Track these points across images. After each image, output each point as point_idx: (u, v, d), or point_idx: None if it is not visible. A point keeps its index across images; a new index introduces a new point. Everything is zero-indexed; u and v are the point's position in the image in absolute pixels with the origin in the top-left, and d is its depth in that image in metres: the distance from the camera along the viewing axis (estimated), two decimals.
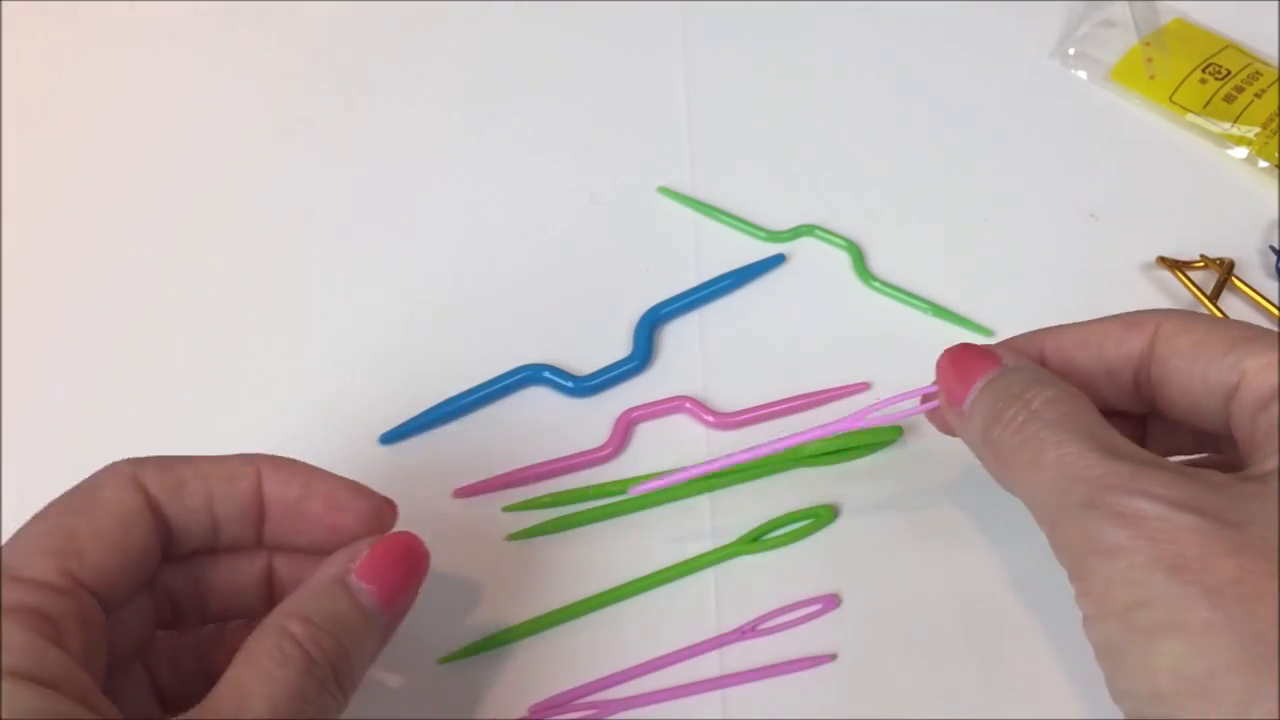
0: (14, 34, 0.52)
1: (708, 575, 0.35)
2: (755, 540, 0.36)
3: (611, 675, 0.34)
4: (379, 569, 0.27)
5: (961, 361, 0.30)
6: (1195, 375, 0.28)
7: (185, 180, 0.47)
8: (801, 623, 0.34)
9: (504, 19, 0.52)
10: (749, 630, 0.34)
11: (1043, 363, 0.30)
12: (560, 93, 0.49)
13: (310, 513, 0.28)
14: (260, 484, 0.28)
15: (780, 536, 0.36)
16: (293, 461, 0.29)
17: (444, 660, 0.34)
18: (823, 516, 0.36)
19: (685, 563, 0.35)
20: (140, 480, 0.27)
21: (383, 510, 0.29)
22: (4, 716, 0.22)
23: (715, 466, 0.34)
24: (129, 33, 0.52)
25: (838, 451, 0.37)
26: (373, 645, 0.27)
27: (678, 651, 0.34)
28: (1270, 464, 0.25)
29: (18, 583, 0.24)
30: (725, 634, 0.34)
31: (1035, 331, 0.31)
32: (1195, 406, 0.29)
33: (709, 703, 0.33)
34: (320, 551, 0.29)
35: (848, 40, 0.50)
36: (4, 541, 0.26)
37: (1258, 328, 0.29)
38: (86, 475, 0.28)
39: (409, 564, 0.28)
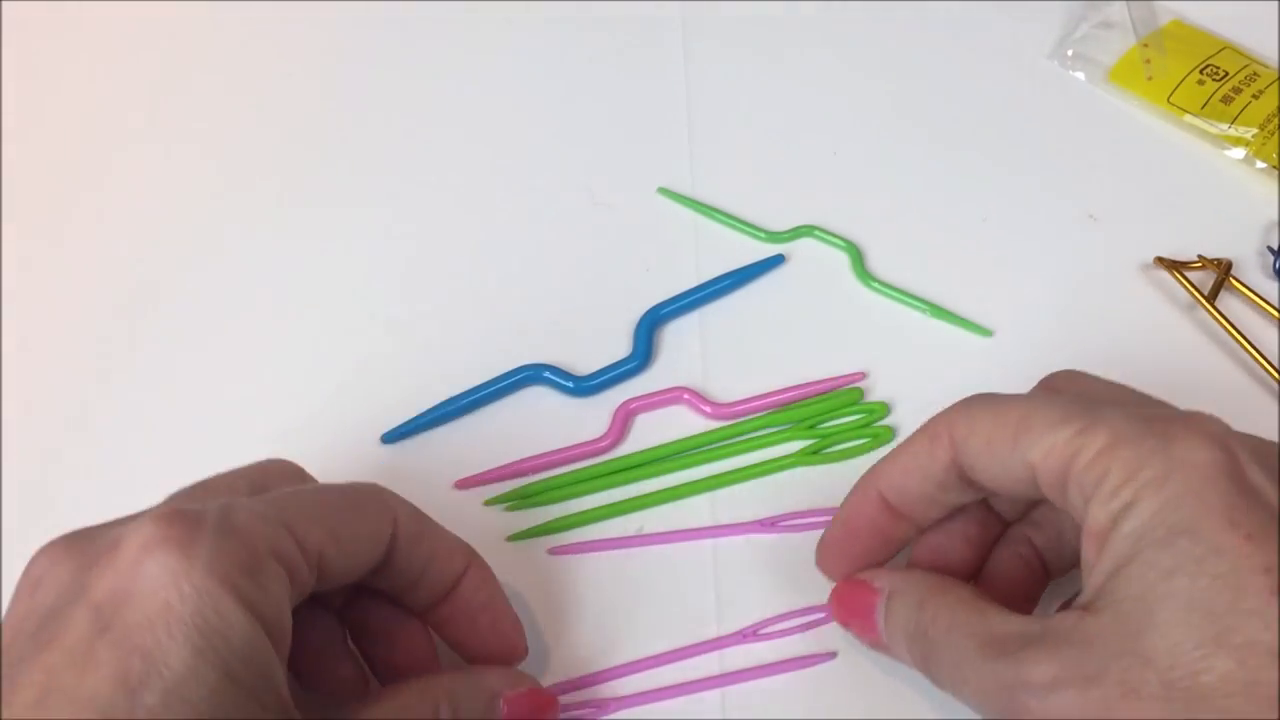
0: (14, 34, 0.52)
1: (708, 573, 0.36)
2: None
3: (609, 669, 0.34)
4: (523, 711, 0.31)
5: (849, 606, 0.32)
6: (1000, 476, 0.28)
7: (187, 181, 0.47)
8: (803, 630, 0.34)
9: (505, 20, 0.52)
10: (750, 634, 0.34)
11: (883, 501, 0.31)
12: (560, 93, 0.49)
13: (477, 620, 0.32)
14: (465, 574, 0.31)
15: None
16: (490, 573, 0.32)
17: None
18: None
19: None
20: (395, 516, 0.30)
21: (519, 655, 0.32)
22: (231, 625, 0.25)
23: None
24: (130, 34, 0.53)
25: (825, 450, 0.38)
26: None
27: (677, 650, 0.34)
28: (1097, 581, 0.26)
29: (295, 543, 0.27)
30: (725, 637, 0.34)
31: (866, 476, 0.32)
32: (1024, 496, 0.29)
33: (708, 701, 0.33)
34: (453, 645, 0.32)
35: (847, 41, 0.50)
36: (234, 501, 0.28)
37: (1034, 400, 0.28)
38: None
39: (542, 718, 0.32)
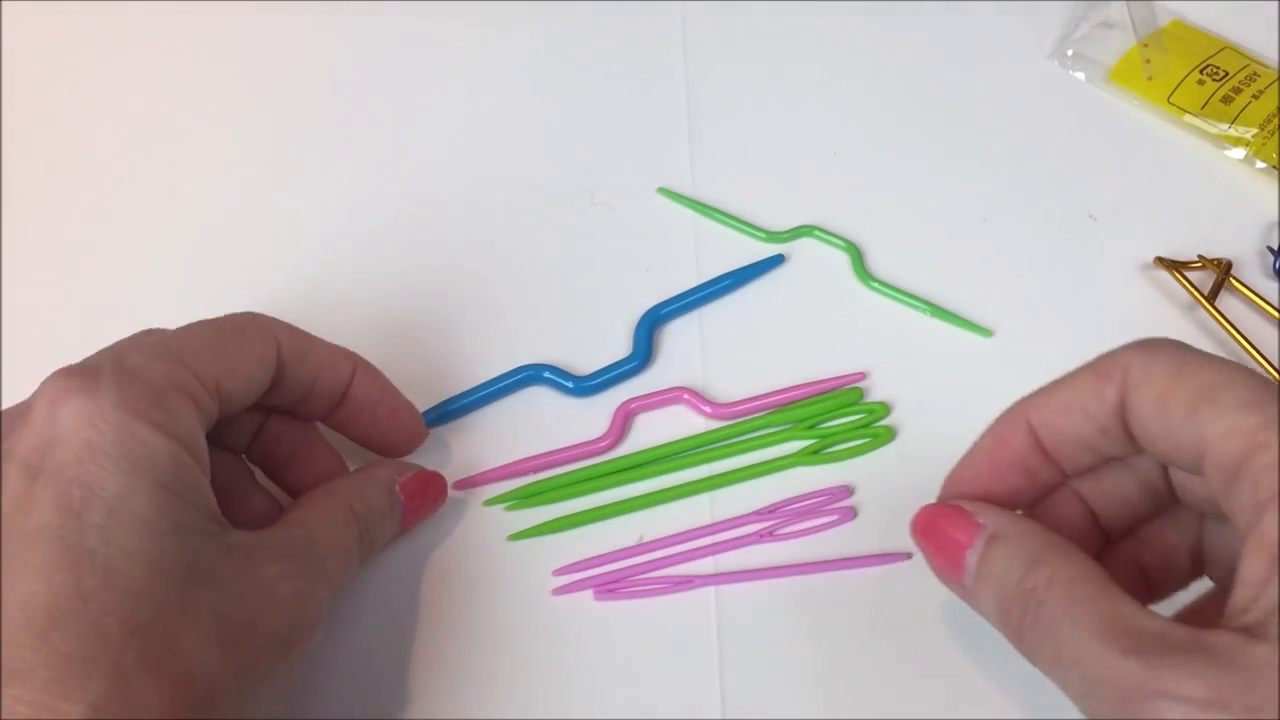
0: (14, 34, 0.52)
1: (710, 592, 0.36)
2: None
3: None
4: (414, 490, 0.35)
5: (936, 534, 0.28)
6: (1164, 438, 0.26)
7: (188, 181, 0.47)
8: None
9: (505, 20, 0.52)
10: (765, 534, 0.36)
11: (1033, 436, 0.28)
12: (561, 94, 0.49)
13: (375, 415, 0.35)
14: (353, 377, 0.34)
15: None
16: (378, 372, 0.35)
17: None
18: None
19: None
20: (276, 338, 0.32)
21: (420, 437, 0.37)
22: (160, 476, 0.27)
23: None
24: (130, 34, 0.53)
25: (825, 450, 0.38)
26: (388, 538, 0.35)
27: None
28: (1266, 602, 0.23)
29: (191, 375, 0.29)
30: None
31: (1018, 404, 0.28)
32: (1182, 468, 0.27)
33: (708, 692, 0.33)
34: (360, 442, 0.36)
35: (847, 41, 0.50)
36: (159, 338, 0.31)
37: (1227, 369, 0.25)
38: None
39: (432, 497, 0.36)
